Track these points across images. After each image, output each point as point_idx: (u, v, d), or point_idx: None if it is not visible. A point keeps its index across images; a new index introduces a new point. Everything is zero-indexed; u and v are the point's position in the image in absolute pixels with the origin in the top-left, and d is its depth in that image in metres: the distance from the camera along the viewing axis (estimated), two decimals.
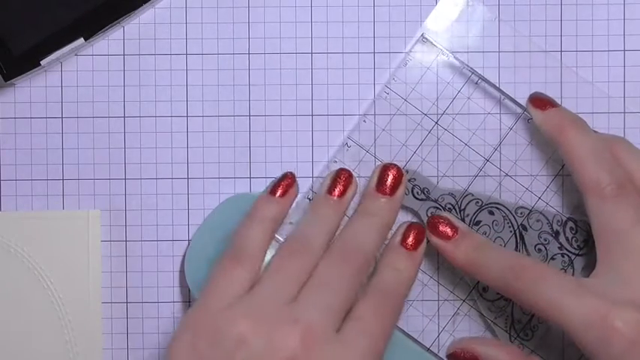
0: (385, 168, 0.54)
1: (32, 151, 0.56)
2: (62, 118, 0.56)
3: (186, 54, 0.56)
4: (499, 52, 0.56)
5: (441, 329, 0.56)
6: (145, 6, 0.54)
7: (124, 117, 0.56)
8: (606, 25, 0.56)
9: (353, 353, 0.48)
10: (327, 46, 0.56)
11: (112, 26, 0.54)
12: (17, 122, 0.56)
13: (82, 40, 0.54)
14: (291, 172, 0.54)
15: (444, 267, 0.56)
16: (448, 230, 0.53)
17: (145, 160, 0.56)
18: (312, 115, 0.56)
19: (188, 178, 0.56)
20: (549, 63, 0.56)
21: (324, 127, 0.56)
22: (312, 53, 0.56)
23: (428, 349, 0.55)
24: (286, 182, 0.53)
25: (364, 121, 0.55)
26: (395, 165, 0.54)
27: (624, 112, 0.56)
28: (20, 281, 0.55)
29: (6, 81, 0.54)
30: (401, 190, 0.53)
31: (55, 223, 0.55)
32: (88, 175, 0.56)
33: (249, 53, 0.56)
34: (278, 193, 0.53)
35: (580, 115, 0.55)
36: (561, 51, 0.56)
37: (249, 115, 0.56)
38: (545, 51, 0.56)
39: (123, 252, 0.56)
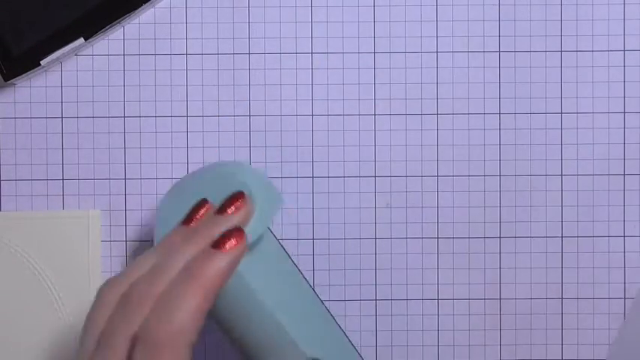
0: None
1: (32, 151, 0.56)
2: (62, 118, 0.56)
3: (186, 54, 0.56)
4: (499, 52, 0.56)
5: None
6: (144, 6, 0.54)
7: (124, 117, 0.56)
8: (606, 25, 0.56)
9: None
10: (327, 46, 0.56)
11: (112, 26, 0.54)
12: (17, 122, 0.56)
13: (82, 40, 0.54)
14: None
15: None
16: None
17: (145, 160, 0.56)
18: (312, 115, 0.56)
19: None
20: (550, 63, 0.56)
21: (324, 127, 0.56)
22: (312, 53, 0.56)
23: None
24: None
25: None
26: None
27: (624, 112, 0.56)
28: (20, 281, 0.55)
29: (6, 81, 0.54)
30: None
31: (55, 223, 0.55)
32: (88, 175, 0.56)
33: (249, 53, 0.56)
34: None
35: (580, 115, 0.55)
36: (561, 51, 0.56)
37: (250, 115, 0.56)
38: (545, 51, 0.56)
39: (123, 252, 0.56)
